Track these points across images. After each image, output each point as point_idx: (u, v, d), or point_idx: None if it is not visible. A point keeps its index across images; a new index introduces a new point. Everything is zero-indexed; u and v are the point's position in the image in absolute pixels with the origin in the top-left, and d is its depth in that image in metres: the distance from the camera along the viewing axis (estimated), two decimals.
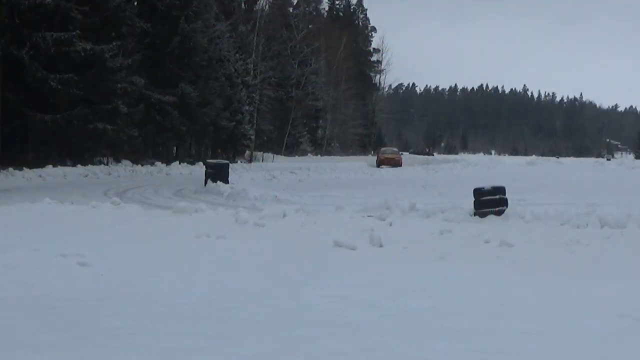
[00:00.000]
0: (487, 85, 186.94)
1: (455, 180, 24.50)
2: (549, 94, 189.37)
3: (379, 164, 44.15)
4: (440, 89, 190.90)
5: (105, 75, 28.45)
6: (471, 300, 6.24)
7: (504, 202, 11.11)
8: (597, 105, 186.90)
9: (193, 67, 36.73)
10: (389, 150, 50.53)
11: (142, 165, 32.26)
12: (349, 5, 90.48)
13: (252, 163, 45.13)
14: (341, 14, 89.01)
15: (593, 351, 4.58)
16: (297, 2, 72.07)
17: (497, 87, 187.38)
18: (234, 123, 41.91)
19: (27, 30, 25.82)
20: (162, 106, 34.25)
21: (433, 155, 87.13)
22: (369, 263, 8.13)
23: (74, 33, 26.43)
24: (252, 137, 47.92)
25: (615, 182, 23.44)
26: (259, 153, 51.04)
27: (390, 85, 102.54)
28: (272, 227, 10.05)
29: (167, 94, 34.11)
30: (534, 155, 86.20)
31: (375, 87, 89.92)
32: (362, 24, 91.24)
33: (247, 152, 49.12)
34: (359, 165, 41.16)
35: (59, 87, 26.17)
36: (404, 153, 50.83)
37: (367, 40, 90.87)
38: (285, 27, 61.28)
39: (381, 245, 8.95)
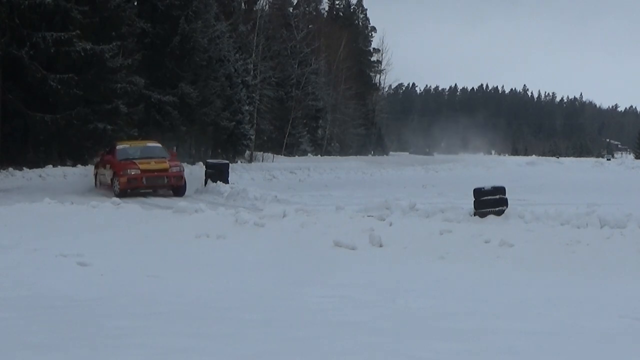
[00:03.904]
0: (487, 85, 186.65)
1: (455, 180, 24.47)
2: (549, 94, 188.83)
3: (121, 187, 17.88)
4: (440, 89, 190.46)
5: (105, 75, 28.43)
6: (471, 300, 6.24)
7: (504, 202, 11.10)
8: (597, 105, 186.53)
9: (193, 67, 36.69)
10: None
11: None
12: (349, 5, 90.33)
13: (252, 163, 45.10)
14: (341, 14, 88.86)
15: (593, 351, 4.57)
16: (297, 2, 71.97)
17: (497, 87, 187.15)
18: (234, 123, 41.87)
19: (27, 30, 25.80)
20: (162, 106, 34.23)
21: (433, 155, 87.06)
22: (369, 263, 8.13)
23: (74, 33, 26.40)
24: (252, 137, 47.86)
25: (615, 182, 23.42)
26: (259, 153, 50.97)
27: (390, 85, 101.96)
28: (272, 227, 10.05)
29: (167, 94, 34.08)
30: (534, 155, 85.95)
31: (375, 87, 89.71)
32: (362, 23, 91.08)
33: (247, 152, 49.10)
34: (359, 165, 41.12)
35: (59, 87, 26.14)
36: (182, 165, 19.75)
37: (367, 40, 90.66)
38: (285, 27, 61.22)
39: (381, 245, 8.95)
